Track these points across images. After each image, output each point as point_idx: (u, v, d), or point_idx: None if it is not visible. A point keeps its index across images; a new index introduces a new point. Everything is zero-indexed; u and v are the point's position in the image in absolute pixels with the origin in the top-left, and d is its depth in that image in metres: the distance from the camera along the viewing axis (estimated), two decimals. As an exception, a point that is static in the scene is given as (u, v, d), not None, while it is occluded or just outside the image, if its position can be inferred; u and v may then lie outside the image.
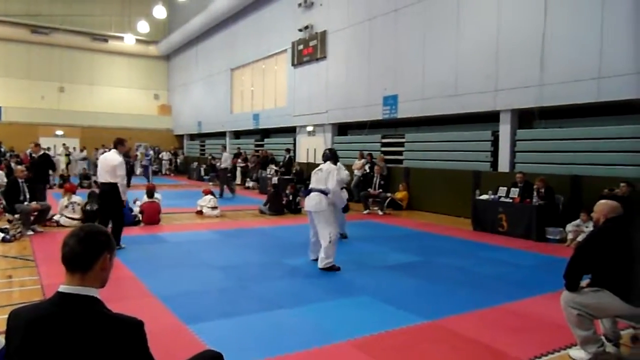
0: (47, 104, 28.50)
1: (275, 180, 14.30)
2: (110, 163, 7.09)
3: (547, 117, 10.25)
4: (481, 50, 11.05)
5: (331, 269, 6.15)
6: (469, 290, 5.46)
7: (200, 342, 3.72)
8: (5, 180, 11.94)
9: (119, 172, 7.06)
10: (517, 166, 10.46)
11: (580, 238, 7.82)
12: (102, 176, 7.20)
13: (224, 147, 19.25)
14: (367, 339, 3.91)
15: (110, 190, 7.10)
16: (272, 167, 17.32)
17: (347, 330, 4.07)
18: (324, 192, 6.25)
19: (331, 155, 6.68)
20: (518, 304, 4.93)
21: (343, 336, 3.92)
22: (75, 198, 9.49)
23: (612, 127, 9.12)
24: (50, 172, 12.69)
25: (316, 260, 6.38)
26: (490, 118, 11.24)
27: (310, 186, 6.51)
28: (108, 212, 7.29)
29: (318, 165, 6.75)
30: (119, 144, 7.32)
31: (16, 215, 8.53)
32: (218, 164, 17.14)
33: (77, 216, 9.25)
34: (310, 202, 6.34)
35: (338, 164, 6.79)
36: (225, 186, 15.31)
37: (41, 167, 11.22)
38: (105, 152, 9.42)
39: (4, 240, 7.52)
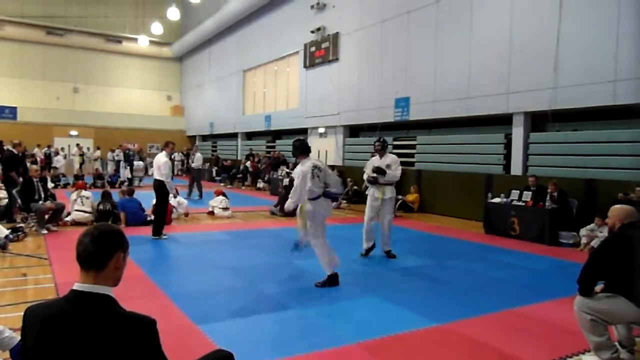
0: (62, 104, 28.88)
1: (286, 181, 14.29)
2: (157, 163, 8.26)
3: (561, 120, 10.14)
4: (494, 52, 10.97)
5: (327, 282, 5.46)
6: (480, 293, 5.42)
7: (210, 342, 3.74)
8: None
9: (163, 170, 8.13)
10: (530, 169, 10.36)
11: (593, 242, 7.73)
12: (155, 174, 8.36)
13: (197, 147, 19.18)
14: (377, 341, 3.89)
15: (159, 186, 8.21)
16: (284, 169, 17.35)
17: (357, 332, 4.07)
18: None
19: (294, 150, 5.58)
20: (530, 308, 4.88)
21: (353, 338, 3.92)
22: (85, 193, 9.73)
23: (627, 130, 9.00)
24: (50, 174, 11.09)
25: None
26: (503, 121, 11.15)
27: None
28: (159, 205, 8.29)
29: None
30: (165, 146, 8.55)
31: (31, 214, 8.67)
32: (190, 163, 16.52)
33: (87, 209, 9.45)
34: None
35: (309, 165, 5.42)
36: (195, 187, 15.26)
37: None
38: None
39: (7, 238, 7.27)
